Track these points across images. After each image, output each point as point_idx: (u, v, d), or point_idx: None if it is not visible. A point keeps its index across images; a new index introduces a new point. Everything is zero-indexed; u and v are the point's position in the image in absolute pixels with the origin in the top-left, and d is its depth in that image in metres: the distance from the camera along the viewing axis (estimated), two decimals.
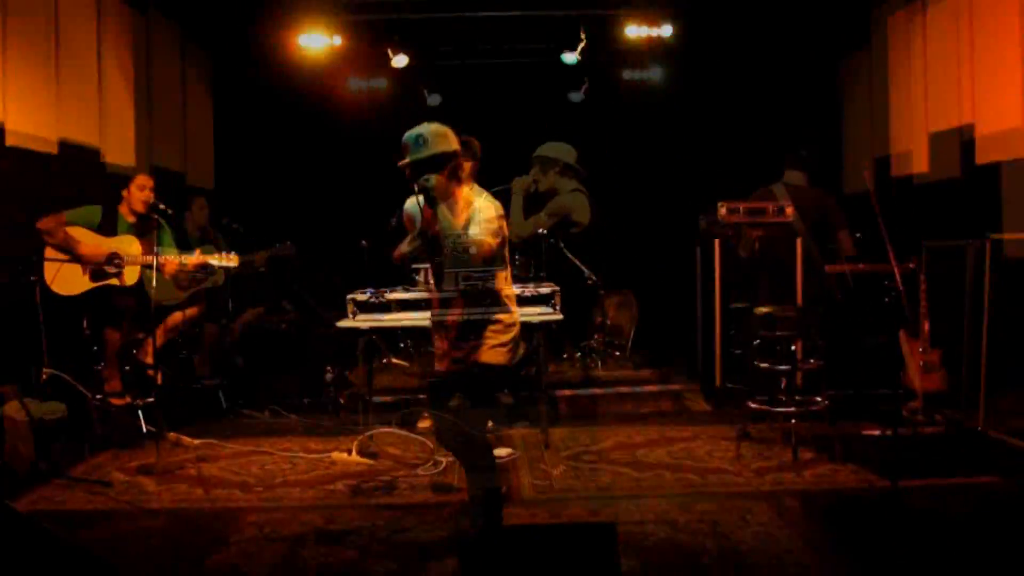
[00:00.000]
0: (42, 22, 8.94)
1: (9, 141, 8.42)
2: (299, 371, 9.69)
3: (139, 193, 8.56)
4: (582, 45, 11.32)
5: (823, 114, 12.36)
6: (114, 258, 8.37)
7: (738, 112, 12.15)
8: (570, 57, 11.57)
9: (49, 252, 8.21)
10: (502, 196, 7.24)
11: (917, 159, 10.34)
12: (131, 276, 8.42)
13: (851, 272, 8.26)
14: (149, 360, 8.47)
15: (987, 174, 8.96)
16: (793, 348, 7.54)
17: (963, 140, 9.39)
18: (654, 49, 11.82)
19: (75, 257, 8.28)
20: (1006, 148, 8.66)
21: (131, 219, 8.61)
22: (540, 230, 8.28)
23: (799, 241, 8.48)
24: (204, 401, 9.21)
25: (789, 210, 8.46)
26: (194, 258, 8.50)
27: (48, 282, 8.14)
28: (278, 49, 11.60)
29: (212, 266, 8.56)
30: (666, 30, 11.39)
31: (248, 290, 9.96)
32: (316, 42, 11.49)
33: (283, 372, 9.80)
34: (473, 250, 5.64)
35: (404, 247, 5.89)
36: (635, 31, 11.35)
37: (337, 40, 11.53)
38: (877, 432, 7.70)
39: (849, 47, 12.15)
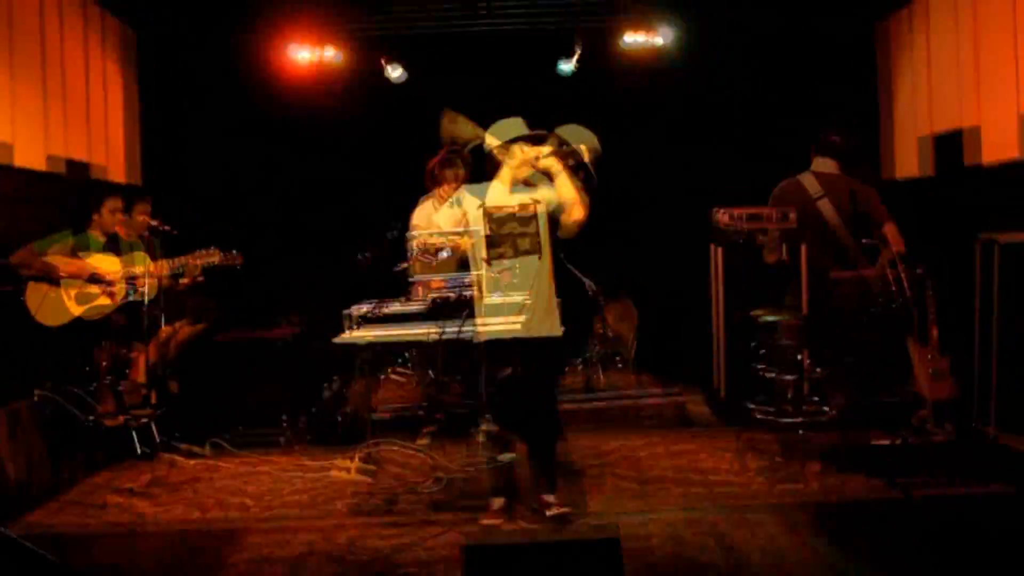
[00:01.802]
0: (49, 42, 8.83)
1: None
2: (267, 391, 9.37)
3: (138, 218, 8.64)
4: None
5: (857, 87, 11.11)
6: (129, 277, 8.36)
7: (758, 87, 11.22)
8: (566, 67, 11.35)
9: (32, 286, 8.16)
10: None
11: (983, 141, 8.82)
12: (120, 294, 8.38)
13: (893, 276, 7.75)
14: (141, 379, 8.40)
15: None
16: (799, 357, 7.42)
17: None
18: (661, 11, 10.93)
19: (94, 280, 8.28)
20: None
21: (102, 238, 8.60)
22: (520, 212, 7.48)
23: (817, 249, 7.88)
24: (135, 438, 8.36)
25: (792, 216, 7.80)
26: (182, 260, 8.50)
27: (32, 312, 8.06)
28: (208, 21, 10.87)
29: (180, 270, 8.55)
30: None
31: (180, 305, 9.16)
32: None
33: (232, 396, 9.17)
34: None
35: None
36: None
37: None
38: (886, 441, 7.57)
39: (887, 5, 10.63)
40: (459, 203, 8.60)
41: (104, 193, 8.87)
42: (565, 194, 6.39)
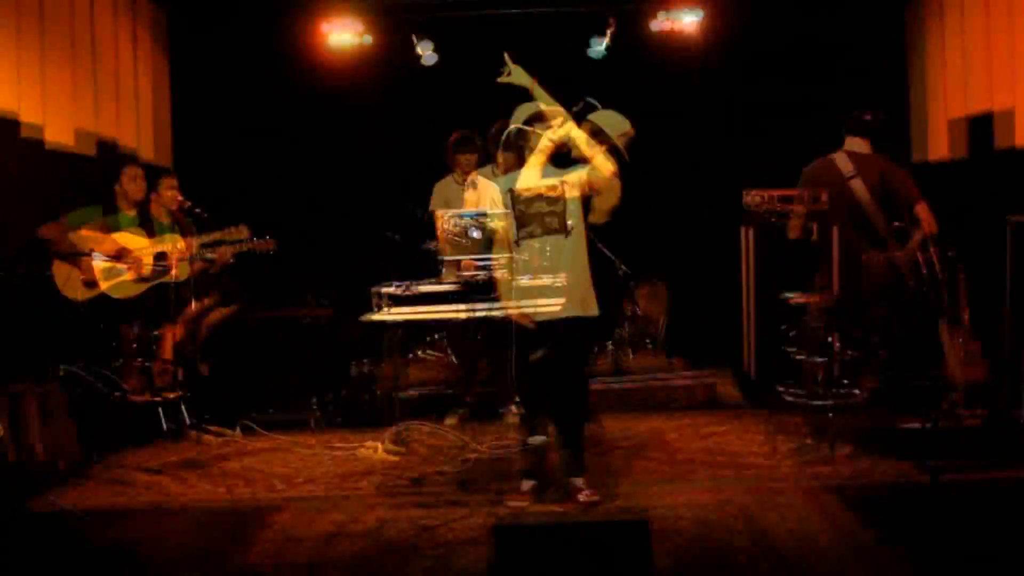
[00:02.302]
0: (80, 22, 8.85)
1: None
2: (298, 373, 9.34)
3: (166, 193, 8.63)
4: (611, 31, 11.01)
5: (888, 69, 10.97)
6: (161, 257, 8.42)
7: (789, 68, 11.01)
8: (597, 51, 11.26)
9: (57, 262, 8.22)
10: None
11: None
12: (147, 272, 8.40)
13: (924, 258, 7.48)
14: (168, 357, 8.42)
15: None
16: (830, 339, 7.37)
17: None
18: None
19: (126, 259, 8.30)
20: None
21: (131, 213, 8.65)
22: (551, 193, 7.24)
23: (849, 229, 7.65)
24: (162, 416, 8.41)
25: (824, 197, 7.45)
26: (214, 236, 8.53)
27: (59, 286, 8.09)
28: (238, 1, 10.94)
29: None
30: None
31: (209, 286, 9.08)
32: None
33: (261, 378, 9.31)
34: None
35: None
36: None
37: None
38: (917, 424, 7.50)
39: None
40: (474, 186, 8.64)
41: (121, 162, 8.94)
42: (598, 177, 6.35)
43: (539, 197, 6.37)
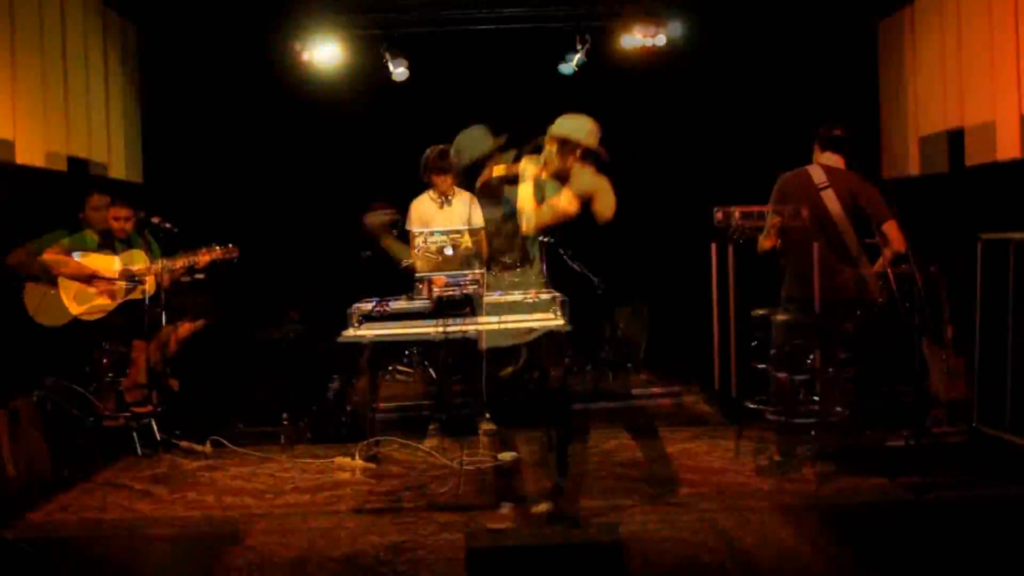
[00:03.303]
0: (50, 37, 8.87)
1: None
2: (268, 389, 9.41)
3: (101, 214, 8.74)
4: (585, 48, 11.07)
5: (859, 85, 11.07)
6: (127, 275, 8.43)
7: (760, 84, 11.16)
8: (567, 67, 11.33)
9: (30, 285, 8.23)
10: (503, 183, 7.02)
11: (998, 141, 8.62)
12: (119, 293, 8.43)
13: (893, 273, 7.36)
14: (141, 378, 8.44)
15: None
16: (800, 355, 7.40)
17: None
18: (662, 12, 10.93)
19: (92, 278, 8.30)
20: None
21: (97, 237, 8.67)
22: (556, 221, 7.07)
23: (819, 242, 7.40)
24: (136, 434, 8.37)
25: (805, 212, 7.42)
26: (206, 254, 8.53)
27: (31, 313, 8.08)
28: (211, 18, 10.91)
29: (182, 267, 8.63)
30: None
31: (180, 301, 9.01)
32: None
33: (232, 393, 9.41)
34: None
35: None
36: None
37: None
38: (900, 442, 7.52)
39: (890, 3, 10.52)
40: (448, 203, 8.67)
41: (88, 191, 8.92)
42: (584, 187, 6.40)
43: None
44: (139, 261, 8.54)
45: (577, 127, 6.55)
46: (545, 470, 7.36)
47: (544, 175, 6.87)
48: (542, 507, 6.27)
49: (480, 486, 7.15)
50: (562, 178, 6.72)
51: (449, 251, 7.42)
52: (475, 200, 7.26)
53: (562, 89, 11.10)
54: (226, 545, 6.01)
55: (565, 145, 6.54)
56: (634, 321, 10.39)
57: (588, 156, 6.55)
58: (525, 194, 6.61)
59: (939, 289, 7.94)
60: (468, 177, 8.15)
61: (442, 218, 8.67)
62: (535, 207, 6.58)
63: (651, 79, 11.11)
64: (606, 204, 6.46)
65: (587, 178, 6.41)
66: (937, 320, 7.93)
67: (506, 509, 6.58)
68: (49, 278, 8.17)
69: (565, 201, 6.42)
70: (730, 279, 8.96)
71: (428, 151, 8.77)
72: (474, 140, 7.67)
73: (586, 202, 6.47)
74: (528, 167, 6.64)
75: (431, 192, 8.86)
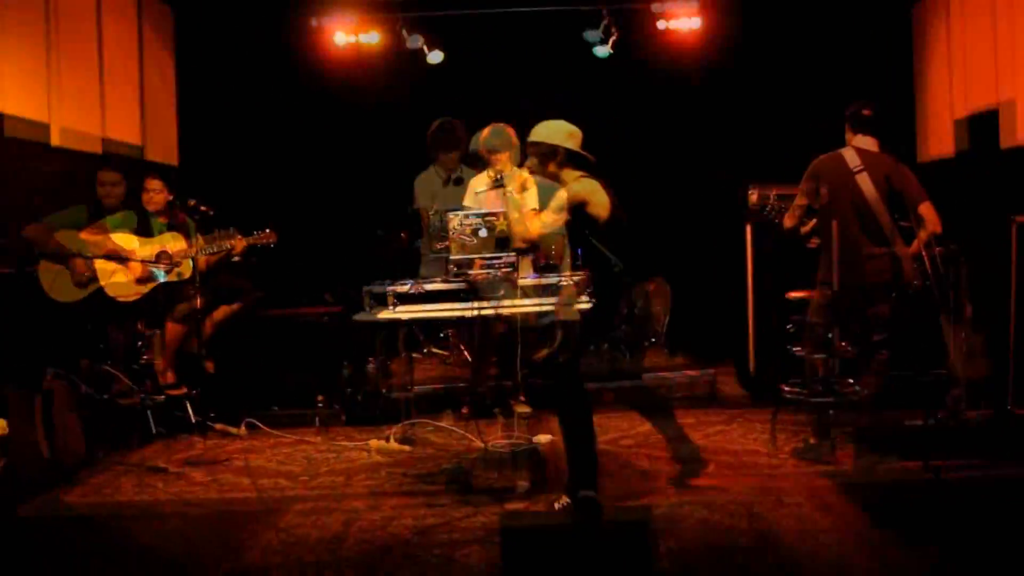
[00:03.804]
0: (85, 20, 8.88)
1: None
2: (303, 371, 9.33)
3: (144, 195, 8.76)
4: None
5: (894, 68, 10.98)
6: (163, 256, 8.51)
7: (794, 67, 11.02)
8: (602, 50, 11.29)
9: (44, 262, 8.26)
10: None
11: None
12: (186, 271, 8.57)
13: (928, 256, 7.19)
14: (169, 354, 8.51)
15: None
16: (830, 335, 7.36)
17: None
18: None
19: (126, 259, 8.34)
20: None
21: (120, 215, 8.69)
22: (553, 229, 6.95)
23: (854, 225, 7.43)
24: (167, 413, 8.49)
25: (824, 192, 7.38)
26: (240, 240, 8.58)
27: (46, 290, 8.12)
28: (246, 1, 11.02)
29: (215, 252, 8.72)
30: None
31: (216, 283, 9.13)
32: None
33: (267, 375, 9.33)
34: None
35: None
36: None
37: None
38: (919, 421, 7.50)
39: None
40: (460, 179, 8.66)
41: (102, 165, 8.98)
42: (572, 193, 6.37)
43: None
44: (175, 243, 8.57)
45: (553, 132, 6.48)
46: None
47: (528, 184, 6.90)
48: (563, 500, 6.25)
49: (513, 468, 7.16)
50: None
51: (484, 233, 7.42)
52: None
53: (595, 72, 11.08)
54: (260, 527, 6.05)
55: (546, 154, 6.48)
56: (655, 297, 10.34)
57: (571, 160, 6.49)
58: (513, 206, 6.61)
59: (959, 267, 7.88)
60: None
61: (449, 196, 8.63)
62: (522, 219, 6.57)
63: (685, 61, 11.04)
64: (600, 205, 6.41)
65: (574, 187, 6.36)
66: (957, 299, 7.87)
67: (522, 488, 6.67)
68: (67, 254, 8.16)
69: (552, 213, 6.41)
70: (753, 260, 8.93)
71: (433, 126, 8.74)
72: (500, 137, 7.69)
73: (579, 206, 6.39)
74: (513, 179, 6.66)
75: (436, 168, 8.83)
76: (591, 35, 11.14)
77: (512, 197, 6.59)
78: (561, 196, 6.37)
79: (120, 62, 9.70)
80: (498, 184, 7.77)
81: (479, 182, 8.68)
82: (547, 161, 6.43)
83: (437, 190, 8.81)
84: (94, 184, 8.66)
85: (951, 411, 7.64)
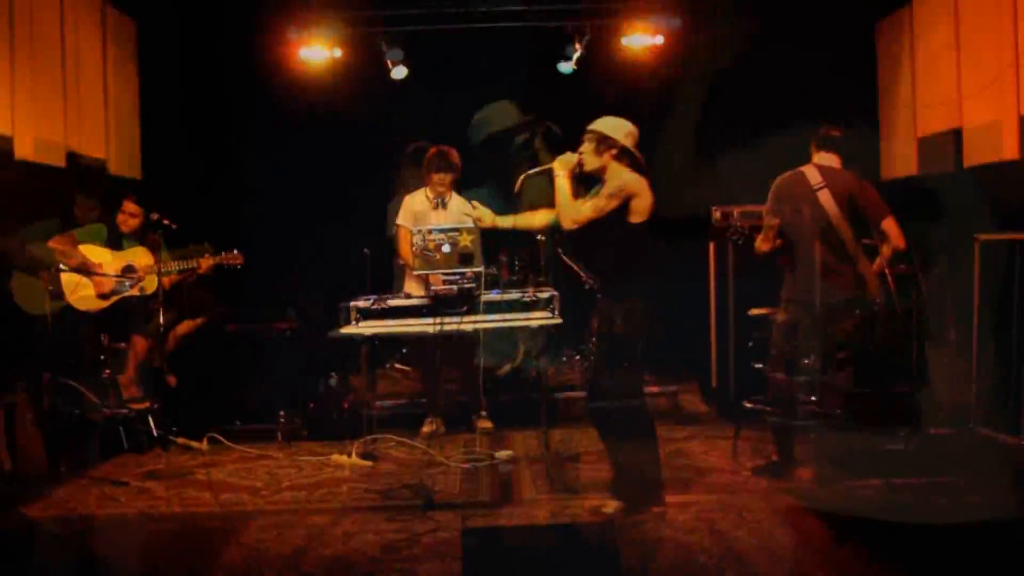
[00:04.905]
0: (49, 31, 8.84)
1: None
2: (265, 386, 9.29)
3: (119, 216, 8.73)
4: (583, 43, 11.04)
5: (857, 86, 10.95)
6: (129, 271, 8.44)
7: (759, 85, 10.84)
8: (566, 67, 11.33)
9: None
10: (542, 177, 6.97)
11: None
12: (151, 286, 8.48)
13: (891, 273, 7.38)
14: (133, 372, 8.49)
15: None
16: (795, 353, 7.38)
17: None
18: (662, 10, 10.90)
19: (93, 273, 8.34)
20: None
21: (93, 228, 8.74)
22: (599, 215, 6.69)
23: (816, 243, 7.40)
24: (130, 428, 8.41)
25: (787, 211, 7.46)
26: (207, 259, 8.55)
27: (17, 301, 8.07)
28: (209, 14, 10.83)
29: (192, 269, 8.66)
30: None
31: (180, 298, 9.18)
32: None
33: (229, 390, 9.25)
34: None
35: None
36: None
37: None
38: (900, 445, 7.48)
39: (888, 3, 10.44)
40: (447, 203, 8.67)
41: (77, 188, 9.01)
42: (623, 186, 6.43)
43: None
44: (142, 258, 8.55)
45: (615, 126, 6.58)
46: (540, 468, 7.40)
47: (576, 170, 6.84)
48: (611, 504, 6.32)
49: (476, 484, 7.16)
50: (596, 176, 6.73)
51: (447, 248, 7.45)
52: (471, 205, 7.26)
53: (560, 88, 11.11)
54: (222, 541, 6.02)
55: (603, 143, 6.56)
56: (629, 319, 10.38)
57: (623, 157, 6.58)
58: (561, 191, 6.61)
59: (943, 290, 7.92)
60: (489, 152, 8.13)
61: (436, 219, 8.61)
62: (572, 203, 6.58)
63: (649, 78, 11.09)
64: (645, 204, 6.48)
65: (626, 177, 6.43)
66: (940, 321, 7.90)
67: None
68: (40, 266, 8.13)
69: (604, 199, 6.43)
70: (729, 279, 8.96)
71: (430, 150, 8.74)
72: (499, 113, 7.70)
73: (627, 199, 6.45)
74: (563, 164, 6.65)
75: (426, 191, 8.80)
76: (564, 67, 11.27)
77: (561, 182, 6.58)
78: (616, 183, 6.42)
79: (82, 75, 9.63)
80: (439, 204, 7.86)
81: (415, 201, 8.72)
82: (602, 151, 6.53)
83: (422, 211, 8.75)
84: (58, 197, 8.63)
85: (925, 433, 7.63)
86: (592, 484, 7.02)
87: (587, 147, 6.59)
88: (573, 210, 6.53)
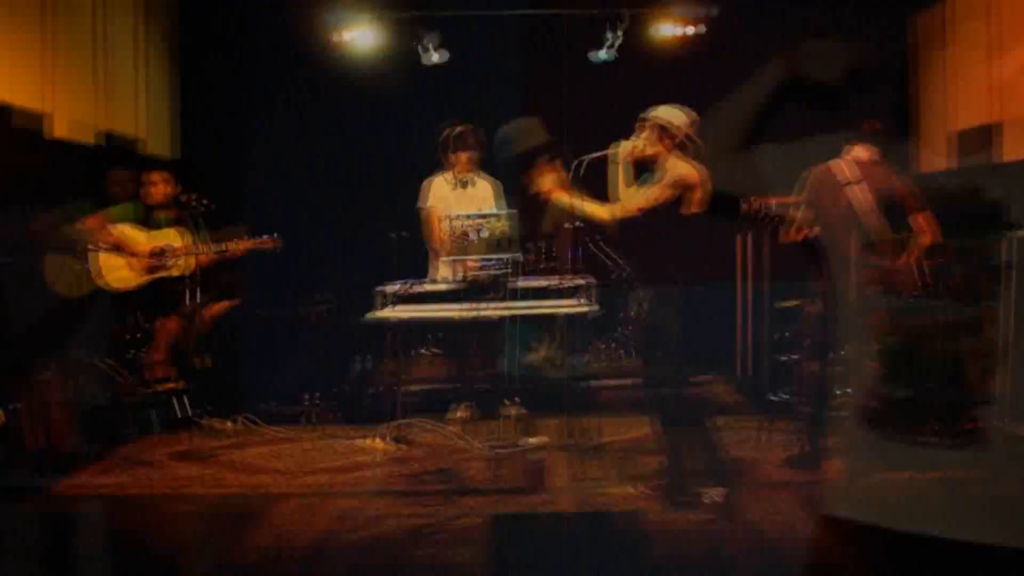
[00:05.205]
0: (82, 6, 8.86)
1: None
2: (298, 368, 9.37)
3: (142, 188, 8.72)
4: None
5: (890, 82, 10.90)
6: (163, 252, 8.47)
7: (790, 80, 10.66)
8: (601, 54, 11.28)
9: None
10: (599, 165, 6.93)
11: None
12: (184, 267, 8.55)
13: (928, 266, 7.33)
14: (164, 349, 8.50)
15: None
16: (824, 346, 7.34)
17: None
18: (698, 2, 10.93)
19: (126, 253, 8.36)
20: None
21: (128, 207, 8.73)
22: (654, 204, 6.68)
23: (852, 235, 7.42)
24: (159, 408, 8.50)
25: (819, 203, 7.48)
26: (239, 243, 8.54)
27: (49, 283, 8.10)
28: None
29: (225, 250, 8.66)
30: None
31: (214, 280, 9.08)
32: None
33: (262, 371, 9.37)
34: None
35: None
36: None
37: None
38: (933, 437, 7.44)
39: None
40: (472, 184, 8.62)
41: (110, 162, 9.02)
42: (683, 176, 6.41)
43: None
44: (176, 239, 8.57)
45: (676, 115, 6.55)
46: (571, 456, 7.39)
47: (632, 159, 6.80)
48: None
49: (507, 470, 7.16)
50: (649, 165, 6.69)
51: (484, 233, 7.44)
52: (500, 190, 7.25)
53: (595, 76, 11.09)
54: (250, 523, 6.06)
55: (663, 132, 6.54)
56: (664, 307, 10.37)
57: (683, 146, 6.56)
58: (615, 177, 6.59)
59: (979, 284, 7.86)
60: (512, 169, 8.11)
61: (458, 201, 8.56)
62: (627, 190, 6.57)
63: (685, 68, 11.04)
64: (704, 194, 6.46)
65: (685, 168, 6.41)
66: (975, 315, 7.84)
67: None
68: (74, 247, 8.18)
69: (660, 188, 6.41)
70: (763, 269, 8.93)
71: (448, 129, 8.67)
72: (524, 132, 7.67)
73: (688, 188, 6.43)
74: (620, 150, 6.62)
75: (447, 173, 8.72)
76: (599, 54, 11.22)
77: (627, 166, 6.56)
78: (675, 174, 6.39)
79: (119, 55, 9.65)
80: (462, 184, 7.83)
81: (438, 182, 8.67)
82: (663, 138, 6.50)
83: (447, 195, 8.70)
84: (93, 176, 8.65)
85: (960, 426, 7.59)
86: (622, 472, 7.01)
87: (647, 134, 6.56)
88: (627, 197, 6.52)
